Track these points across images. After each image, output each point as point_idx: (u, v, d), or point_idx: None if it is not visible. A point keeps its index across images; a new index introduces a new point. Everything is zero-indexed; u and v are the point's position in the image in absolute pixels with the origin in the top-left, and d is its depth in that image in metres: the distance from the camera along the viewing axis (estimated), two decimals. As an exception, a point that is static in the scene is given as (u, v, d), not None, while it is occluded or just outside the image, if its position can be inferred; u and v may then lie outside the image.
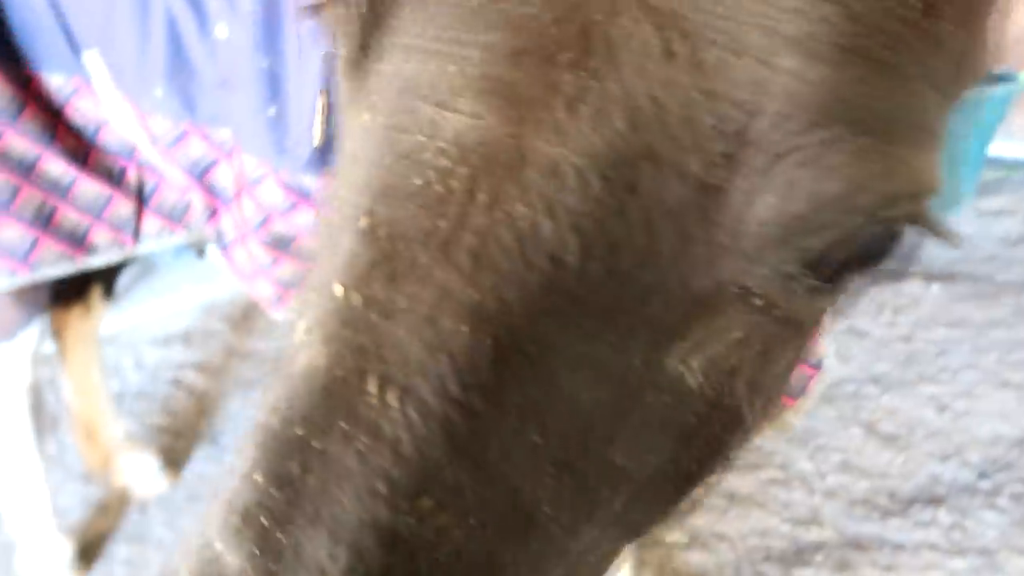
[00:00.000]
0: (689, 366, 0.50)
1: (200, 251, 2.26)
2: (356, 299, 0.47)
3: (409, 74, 0.50)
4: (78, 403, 2.13)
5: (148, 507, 2.23)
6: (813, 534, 2.09)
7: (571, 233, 0.46)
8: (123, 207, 1.54)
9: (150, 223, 1.56)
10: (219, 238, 1.52)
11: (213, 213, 1.50)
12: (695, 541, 2.06)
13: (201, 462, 2.36)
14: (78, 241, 1.55)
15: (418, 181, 0.47)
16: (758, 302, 0.50)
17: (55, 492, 2.05)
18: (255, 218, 1.44)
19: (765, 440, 2.28)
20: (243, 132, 1.37)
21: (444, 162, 0.47)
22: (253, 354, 2.73)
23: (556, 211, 0.46)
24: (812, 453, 2.32)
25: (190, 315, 2.86)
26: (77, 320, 2.06)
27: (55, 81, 1.46)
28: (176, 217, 1.56)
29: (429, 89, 0.49)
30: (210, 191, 1.48)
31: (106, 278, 2.06)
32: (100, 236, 1.55)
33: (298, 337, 0.49)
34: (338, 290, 0.48)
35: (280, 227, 1.44)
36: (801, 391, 1.23)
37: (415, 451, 0.44)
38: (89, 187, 1.51)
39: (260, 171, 1.38)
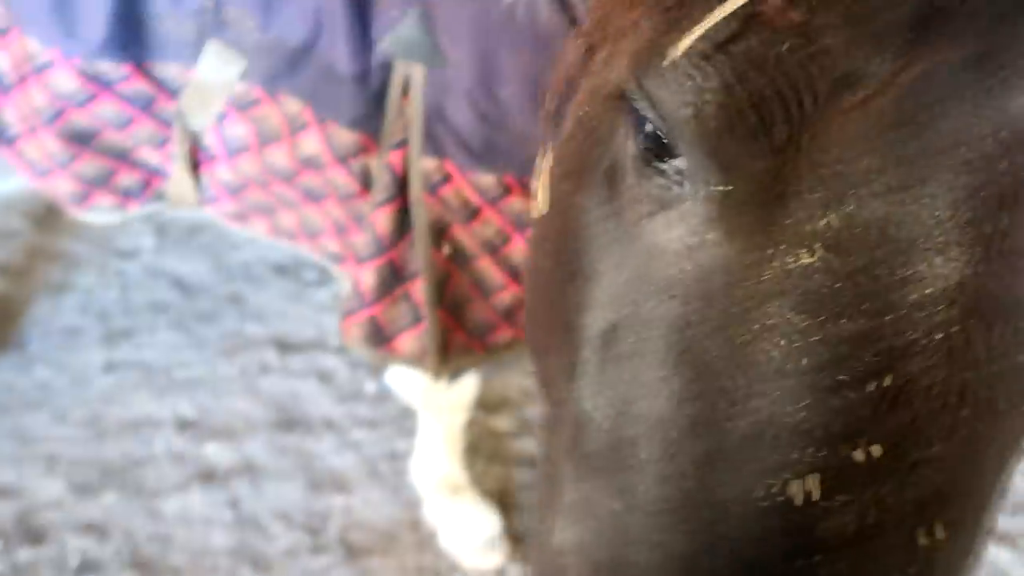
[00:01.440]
0: None
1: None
2: (877, 453, 0.48)
3: (872, 219, 0.47)
4: None
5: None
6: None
7: None
8: None
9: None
10: (0, 130, 1.36)
11: (-10, 102, 1.33)
12: (524, 428, 2.14)
13: (8, 371, 2.19)
14: None
15: (938, 335, 0.47)
16: None
17: None
18: (47, 109, 1.29)
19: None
20: (22, 10, 1.21)
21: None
22: (60, 255, 2.52)
23: None
24: None
25: (-14, 212, 2.59)
26: None
27: None
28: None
29: (924, 239, 0.46)
30: (-17, 77, 1.31)
31: None
32: None
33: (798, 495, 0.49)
34: (853, 449, 0.48)
35: (79, 119, 1.31)
36: None
37: None
38: None
39: (47, 56, 1.24)
